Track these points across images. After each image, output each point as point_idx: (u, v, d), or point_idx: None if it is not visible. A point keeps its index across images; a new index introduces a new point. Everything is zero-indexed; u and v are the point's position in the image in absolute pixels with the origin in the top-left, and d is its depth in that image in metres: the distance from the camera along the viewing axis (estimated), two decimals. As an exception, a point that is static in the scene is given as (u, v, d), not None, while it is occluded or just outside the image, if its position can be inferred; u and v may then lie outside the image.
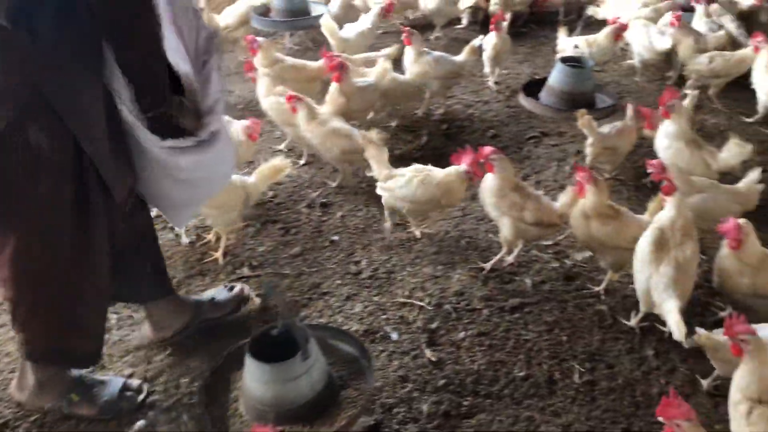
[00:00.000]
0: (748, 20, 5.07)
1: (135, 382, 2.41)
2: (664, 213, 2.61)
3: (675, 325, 2.32)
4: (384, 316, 2.74)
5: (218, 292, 2.73)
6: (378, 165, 3.16)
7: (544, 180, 3.72)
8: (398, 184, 3.05)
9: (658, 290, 2.46)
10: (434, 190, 3.02)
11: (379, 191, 3.15)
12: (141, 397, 2.37)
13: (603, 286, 2.89)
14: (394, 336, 2.65)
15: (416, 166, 3.13)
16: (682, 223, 2.54)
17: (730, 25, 4.77)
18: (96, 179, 2.02)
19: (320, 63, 4.03)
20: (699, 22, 4.85)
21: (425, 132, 4.11)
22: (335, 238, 3.21)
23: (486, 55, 4.59)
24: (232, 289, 2.74)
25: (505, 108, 4.48)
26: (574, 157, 3.90)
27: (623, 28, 4.67)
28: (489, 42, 4.57)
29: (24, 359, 2.28)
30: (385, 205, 3.19)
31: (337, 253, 3.11)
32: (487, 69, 4.70)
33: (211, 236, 3.15)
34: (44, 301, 2.13)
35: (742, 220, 2.55)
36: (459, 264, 3.04)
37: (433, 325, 2.70)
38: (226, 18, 4.85)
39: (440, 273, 2.98)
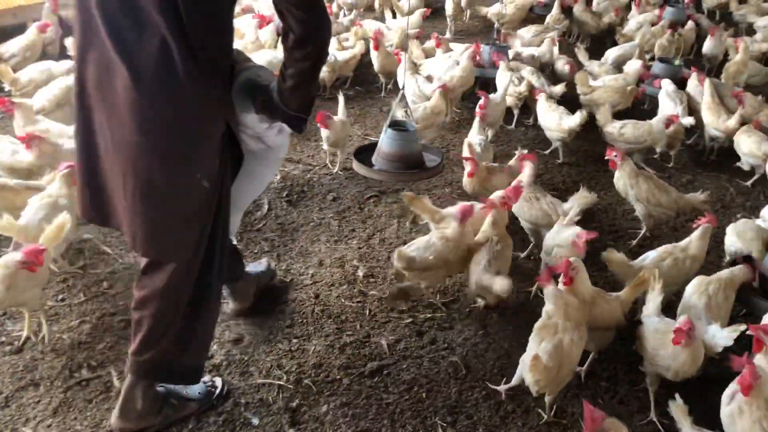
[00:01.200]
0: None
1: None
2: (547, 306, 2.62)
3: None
4: (243, 401, 2.63)
5: (256, 265, 3.26)
6: None
7: (387, 237, 3.81)
8: None
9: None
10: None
11: None
12: (219, 381, 2.65)
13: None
14: (255, 421, 2.55)
15: None
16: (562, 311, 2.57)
17: (532, 77, 5.22)
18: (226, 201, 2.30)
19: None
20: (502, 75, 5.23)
21: (265, 201, 4.08)
22: (181, 324, 3.06)
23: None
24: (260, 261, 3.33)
25: (342, 170, 4.56)
26: (411, 214, 4.04)
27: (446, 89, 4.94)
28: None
29: (142, 379, 2.40)
30: None
31: (186, 340, 2.96)
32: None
33: (25, 332, 2.89)
34: (179, 320, 2.33)
35: (572, 258, 2.74)
36: (314, 335, 3.01)
37: (294, 403, 2.63)
38: (40, 100, 4.55)
39: (296, 347, 2.93)
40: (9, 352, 2.83)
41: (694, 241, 3.19)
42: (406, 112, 3.79)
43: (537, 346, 2.45)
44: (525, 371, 2.43)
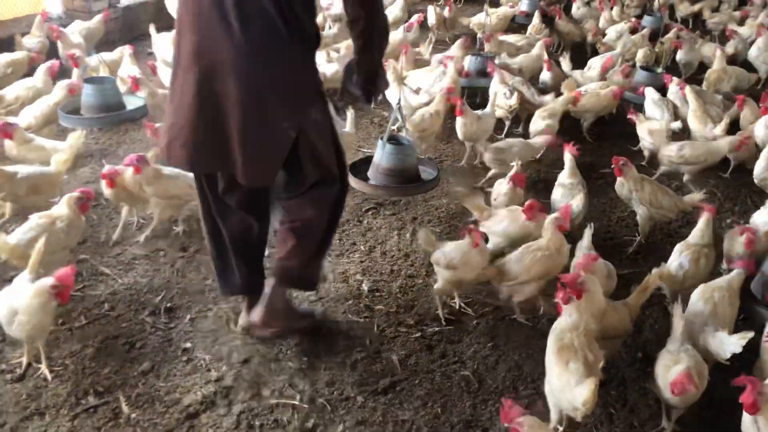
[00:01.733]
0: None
1: None
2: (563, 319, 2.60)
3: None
4: (257, 423, 2.59)
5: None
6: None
7: (389, 250, 3.80)
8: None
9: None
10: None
11: None
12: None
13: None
14: (271, 443, 2.52)
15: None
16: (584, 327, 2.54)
17: (523, 88, 5.26)
18: None
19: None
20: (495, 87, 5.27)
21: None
22: (188, 345, 3.00)
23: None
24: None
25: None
26: (411, 224, 4.05)
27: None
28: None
29: (283, 285, 2.88)
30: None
31: (193, 362, 2.91)
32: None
33: (25, 359, 2.81)
34: (328, 238, 2.90)
35: (583, 276, 2.70)
36: (324, 352, 2.98)
37: (310, 423, 2.60)
38: (27, 117, 4.46)
39: (307, 365, 2.90)
40: (11, 380, 2.75)
41: (702, 231, 3.28)
42: (399, 127, 3.80)
43: (565, 368, 2.38)
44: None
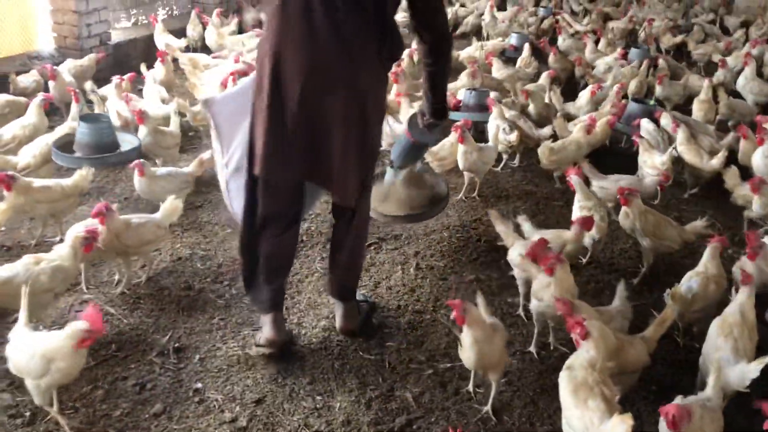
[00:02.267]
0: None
1: None
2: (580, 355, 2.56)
3: None
4: (274, 466, 2.55)
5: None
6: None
7: (394, 285, 3.79)
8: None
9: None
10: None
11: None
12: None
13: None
14: (291, 486, 2.47)
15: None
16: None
17: (521, 121, 5.32)
18: None
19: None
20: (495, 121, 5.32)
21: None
22: (199, 386, 2.96)
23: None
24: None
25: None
26: (414, 259, 4.05)
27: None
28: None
29: (351, 300, 3.29)
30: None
31: (206, 403, 2.86)
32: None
33: (55, 406, 2.74)
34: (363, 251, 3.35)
35: (587, 322, 2.63)
36: (337, 390, 2.95)
37: (328, 464, 2.57)
38: (25, 157, 4.43)
39: (321, 404, 2.86)
40: (21, 425, 2.69)
41: (707, 263, 3.32)
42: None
43: (585, 408, 2.35)
44: None
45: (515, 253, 3.46)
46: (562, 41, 8.47)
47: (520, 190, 5.10)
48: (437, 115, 3.10)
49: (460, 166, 4.73)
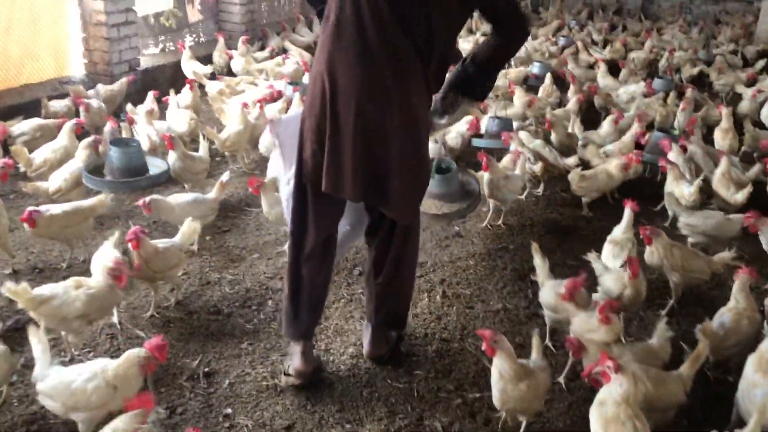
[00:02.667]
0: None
1: None
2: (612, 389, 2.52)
3: None
4: (305, 494, 2.55)
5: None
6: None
7: (420, 313, 3.79)
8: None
9: None
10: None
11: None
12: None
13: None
14: None
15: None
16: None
17: (545, 150, 5.34)
18: None
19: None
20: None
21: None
22: (228, 411, 2.97)
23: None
24: None
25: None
26: (440, 287, 4.05)
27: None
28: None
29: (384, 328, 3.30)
30: None
31: (235, 429, 2.87)
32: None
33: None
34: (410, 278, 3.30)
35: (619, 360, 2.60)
36: (366, 419, 2.95)
37: (359, 494, 2.56)
38: (56, 181, 4.50)
39: (350, 432, 2.87)
40: (54, 448, 2.72)
41: (737, 296, 3.29)
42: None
43: None
44: None
45: (548, 293, 3.42)
46: (573, 68, 8.46)
47: (545, 218, 5.10)
48: (477, 95, 3.07)
49: (486, 193, 4.73)
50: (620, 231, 4.04)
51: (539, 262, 3.59)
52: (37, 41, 6.42)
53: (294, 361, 3.09)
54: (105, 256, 3.42)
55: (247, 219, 4.83)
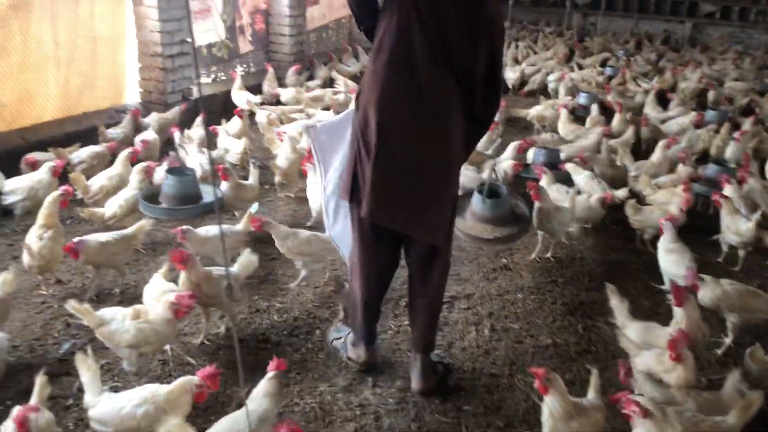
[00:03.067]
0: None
1: None
2: None
3: None
4: None
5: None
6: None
7: (468, 346, 3.75)
8: None
9: None
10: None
11: None
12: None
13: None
14: None
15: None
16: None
17: (593, 182, 5.27)
18: None
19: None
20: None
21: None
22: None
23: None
24: None
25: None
26: (488, 320, 4.01)
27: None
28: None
29: (429, 353, 3.35)
30: None
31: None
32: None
33: None
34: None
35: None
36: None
37: None
38: (112, 207, 4.63)
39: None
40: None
41: None
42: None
43: None
44: None
45: (635, 335, 3.35)
46: (614, 97, 8.35)
47: (596, 252, 5.02)
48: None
49: (535, 224, 4.67)
50: (668, 241, 4.16)
51: (617, 303, 3.54)
52: (96, 72, 6.65)
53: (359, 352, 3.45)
54: (156, 288, 3.49)
55: (294, 247, 4.87)
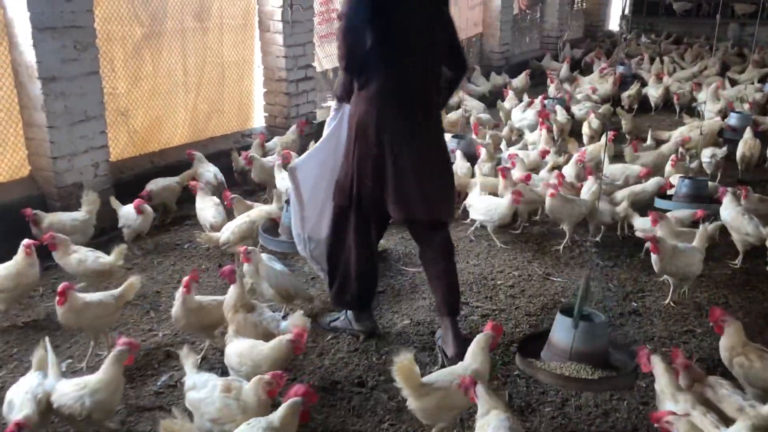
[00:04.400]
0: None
1: None
2: None
3: None
4: None
5: None
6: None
7: (584, 404, 3.33)
8: None
9: None
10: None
11: None
12: None
13: None
14: None
15: None
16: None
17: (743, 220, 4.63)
18: None
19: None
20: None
21: (440, 356, 3.77)
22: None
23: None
24: None
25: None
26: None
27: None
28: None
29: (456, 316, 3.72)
30: None
31: None
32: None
33: None
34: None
35: None
36: None
37: None
38: (226, 234, 4.64)
39: None
40: None
41: None
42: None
43: None
44: None
45: None
46: None
47: (743, 296, 4.39)
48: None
49: (656, 270, 4.22)
50: None
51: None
52: (222, 97, 6.85)
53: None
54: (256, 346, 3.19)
55: (402, 280, 4.65)
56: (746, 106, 8.34)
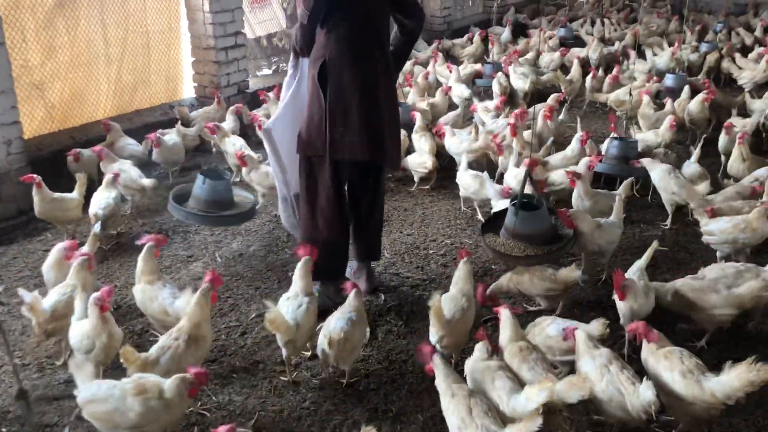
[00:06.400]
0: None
1: None
2: None
3: None
4: None
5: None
6: None
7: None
8: None
9: None
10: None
11: None
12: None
13: None
14: None
15: None
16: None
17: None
18: None
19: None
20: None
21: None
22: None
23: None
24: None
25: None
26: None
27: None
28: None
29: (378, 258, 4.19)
30: None
31: None
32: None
33: None
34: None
35: None
36: None
37: None
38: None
39: None
40: None
41: None
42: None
43: None
44: None
45: None
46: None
47: (672, 257, 4.42)
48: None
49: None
50: None
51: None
52: (149, 68, 6.56)
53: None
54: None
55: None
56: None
